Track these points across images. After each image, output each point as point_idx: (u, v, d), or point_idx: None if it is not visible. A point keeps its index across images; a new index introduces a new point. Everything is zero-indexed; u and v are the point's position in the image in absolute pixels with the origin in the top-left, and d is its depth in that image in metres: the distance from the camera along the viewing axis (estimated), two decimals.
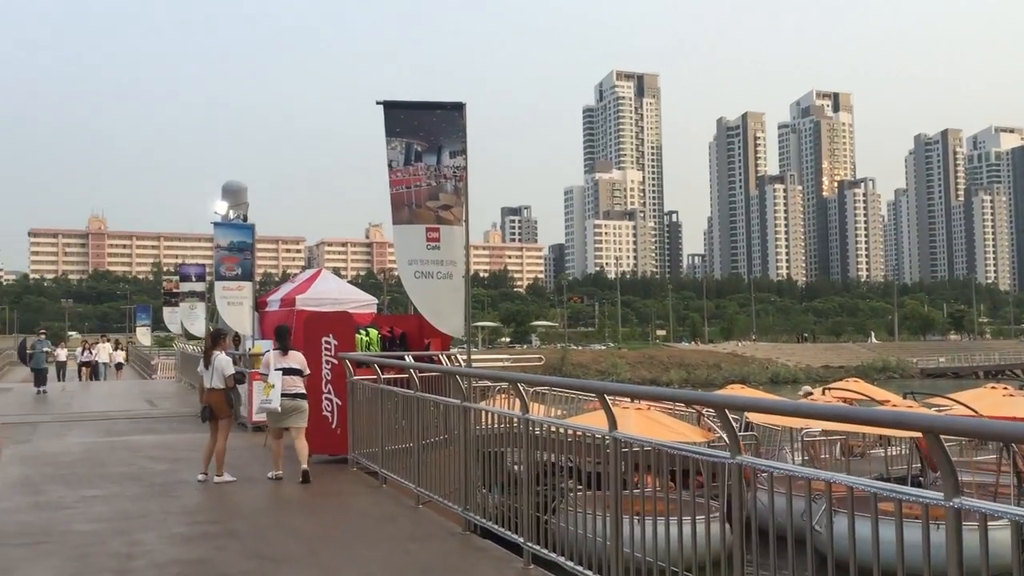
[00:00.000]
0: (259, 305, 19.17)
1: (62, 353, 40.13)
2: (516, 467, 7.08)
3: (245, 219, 19.75)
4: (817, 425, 15.40)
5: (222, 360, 10.54)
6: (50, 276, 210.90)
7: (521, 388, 6.70)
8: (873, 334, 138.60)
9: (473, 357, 17.73)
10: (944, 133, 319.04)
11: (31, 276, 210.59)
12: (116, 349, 45.68)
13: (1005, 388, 18.39)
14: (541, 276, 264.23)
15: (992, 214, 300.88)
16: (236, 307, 17.40)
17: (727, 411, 4.59)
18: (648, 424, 13.69)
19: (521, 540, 6.54)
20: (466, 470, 7.52)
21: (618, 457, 5.44)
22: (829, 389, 17.43)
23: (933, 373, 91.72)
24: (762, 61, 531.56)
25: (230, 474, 10.33)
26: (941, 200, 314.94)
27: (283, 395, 10.23)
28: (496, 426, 7.25)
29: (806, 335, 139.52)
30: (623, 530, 5.26)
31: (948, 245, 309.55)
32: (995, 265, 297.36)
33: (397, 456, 9.33)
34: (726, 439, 4.51)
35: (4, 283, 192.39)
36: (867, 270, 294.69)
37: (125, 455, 12.92)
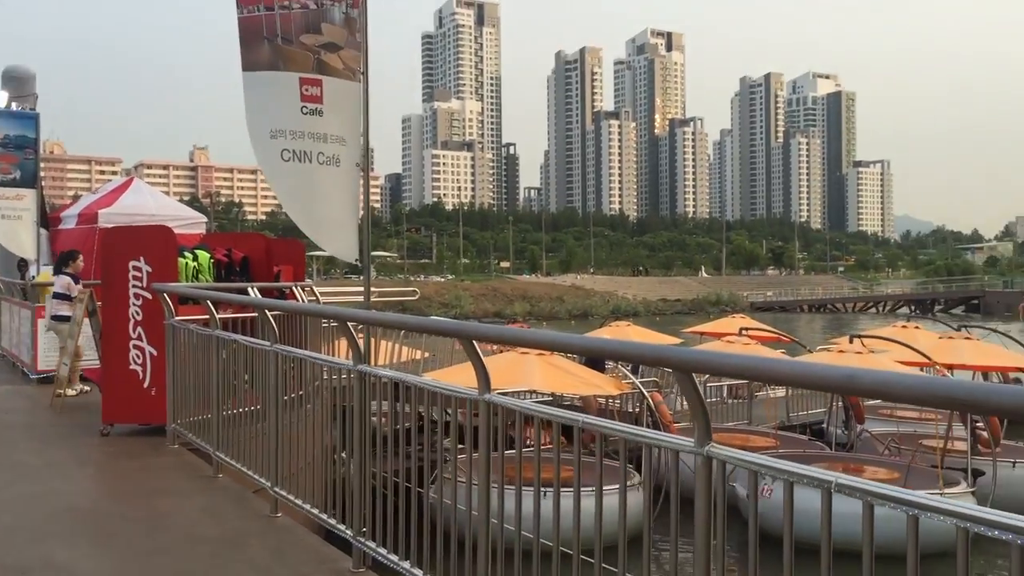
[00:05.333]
0: (50, 222, 15.23)
1: None
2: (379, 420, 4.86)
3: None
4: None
5: None
6: None
7: (477, 346, 3.89)
8: (703, 268, 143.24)
9: (328, 291, 14.62)
10: (767, 76, 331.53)
11: None
12: None
13: (917, 327, 17.20)
14: (378, 206, 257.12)
15: (807, 156, 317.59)
16: (13, 221, 13.38)
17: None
18: (554, 374, 11.21)
19: None
20: (362, 476, 4.66)
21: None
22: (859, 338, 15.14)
23: (762, 307, 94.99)
24: None
25: None
26: (762, 141, 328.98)
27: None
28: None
29: (640, 268, 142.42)
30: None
31: (767, 185, 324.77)
32: (807, 204, 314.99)
33: (237, 427, 6.33)
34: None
35: None
36: (694, 207, 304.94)
37: None
